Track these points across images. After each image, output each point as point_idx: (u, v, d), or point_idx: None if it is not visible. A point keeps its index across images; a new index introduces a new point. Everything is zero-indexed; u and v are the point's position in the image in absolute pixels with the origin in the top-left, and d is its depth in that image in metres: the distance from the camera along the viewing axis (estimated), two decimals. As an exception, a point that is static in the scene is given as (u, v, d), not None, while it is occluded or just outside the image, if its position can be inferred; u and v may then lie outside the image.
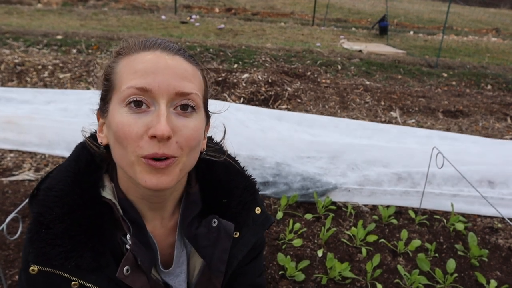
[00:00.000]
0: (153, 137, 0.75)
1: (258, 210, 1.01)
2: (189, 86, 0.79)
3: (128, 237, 0.86)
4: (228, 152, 1.03)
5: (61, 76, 5.57)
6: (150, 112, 0.77)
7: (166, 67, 0.77)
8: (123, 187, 0.88)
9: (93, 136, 0.92)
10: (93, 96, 0.90)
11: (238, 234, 0.96)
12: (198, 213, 0.96)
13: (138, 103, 0.76)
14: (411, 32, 13.84)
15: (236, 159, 1.05)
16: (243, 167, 1.04)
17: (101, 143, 0.86)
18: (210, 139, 1.03)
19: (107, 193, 0.87)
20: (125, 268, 0.83)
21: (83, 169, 0.87)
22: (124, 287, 0.85)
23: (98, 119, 0.89)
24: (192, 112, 0.80)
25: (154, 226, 0.94)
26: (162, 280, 0.97)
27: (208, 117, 0.92)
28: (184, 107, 0.79)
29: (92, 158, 0.89)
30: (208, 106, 0.93)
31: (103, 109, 0.84)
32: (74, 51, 6.94)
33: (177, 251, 0.98)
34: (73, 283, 0.81)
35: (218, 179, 0.98)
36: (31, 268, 0.80)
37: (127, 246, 0.86)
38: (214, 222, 0.93)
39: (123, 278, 0.83)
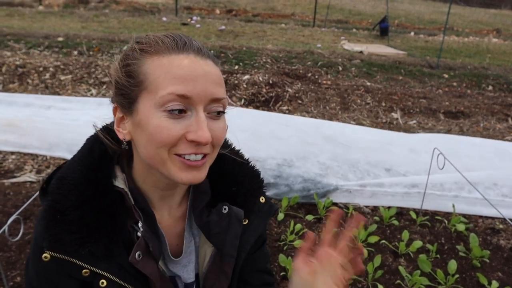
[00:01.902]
0: (192, 141, 0.79)
1: (262, 199, 1.05)
2: (221, 92, 0.83)
3: (140, 224, 0.89)
4: (233, 145, 1.09)
5: (62, 78, 5.58)
6: (187, 116, 0.79)
7: (204, 74, 0.80)
8: (139, 177, 0.92)
9: (106, 129, 0.94)
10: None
11: (247, 221, 1.00)
12: (207, 202, 0.99)
13: (178, 110, 0.78)
14: (412, 33, 13.84)
15: (241, 152, 1.08)
16: (247, 158, 1.09)
17: (124, 139, 0.87)
18: None
19: (120, 182, 0.90)
20: (137, 253, 0.86)
21: (97, 160, 0.89)
22: (134, 275, 0.87)
23: (114, 114, 0.89)
24: (221, 114, 0.85)
25: (162, 216, 0.97)
26: (170, 271, 0.99)
27: None
28: (217, 112, 0.83)
29: (105, 150, 0.91)
30: None
31: (126, 107, 0.84)
32: (75, 53, 6.95)
33: (186, 241, 1.00)
34: (84, 271, 0.83)
35: (226, 170, 1.02)
36: (44, 255, 0.81)
37: (139, 233, 0.88)
38: (225, 209, 0.97)
39: (135, 262, 0.85)
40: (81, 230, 0.82)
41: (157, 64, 0.80)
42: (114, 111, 0.89)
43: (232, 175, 1.02)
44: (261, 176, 1.08)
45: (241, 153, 1.08)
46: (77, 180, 0.85)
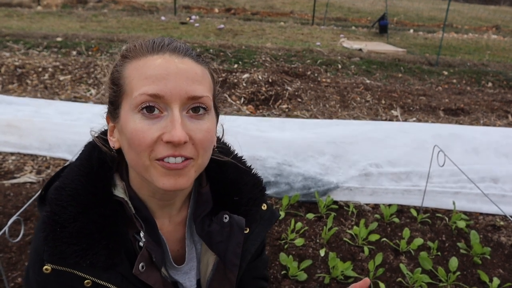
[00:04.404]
0: (168, 142, 0.76)
1: (264, 206, 1.04)
2: (200, 89, 0.79)
3: (141, 234, 0.87)
4: (236, 151, 1.06)
5: (61, 78, 5.58)
6: (163, 117, 0.77)
7: (177, 72, 0.77)
8: (135, 186, 0.90)
9: (103, 135, 0.93)
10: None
11: (248, 230, 0.98)
12: (209, 211, 0.98)
13: (150, 108, 0.76)
14: (411, 30, 13.82)
15: (243, 159, 1.06)
16: (250, 165, 1.07)
17: (113, 147, 0.87)
18: (218, 139, 1.04)
19: (119, 191, 0.88)
20: (140, 265, 0.85)
21: (96, 169, 0.87)
22: (136, 285, 0.86)
23: (108, 122, 0.89)
24: (204, 114, 0.81)
25: (163, 223, 0.95)
26: (171, 277, 0.98)
27: (217, 114, 0.93)
28: (196, 109, 0.80)
29: (104, 157, 0.90)
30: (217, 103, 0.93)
31: (113, 114, 0.84)
32: (74, 53, 6.94)
33: (187, 248, 0.99)
34: (86, 281, 0.82)
35: (228, 179, 1.00)
36: (45, 267, 0.80)
37: (141, 244, 0.87)
38: (226, 218, 0.95)
39: (139, 274, 0.84)
40: (81, 241, 0.81)
41: (134, 67, 0.80)
42: (107, 120, 0.89)
43: (234, 184, 1.00)
44: (263, 183, 1.06)
45: (243, 159, 1.06)
46: (76, 190, 0.84)
